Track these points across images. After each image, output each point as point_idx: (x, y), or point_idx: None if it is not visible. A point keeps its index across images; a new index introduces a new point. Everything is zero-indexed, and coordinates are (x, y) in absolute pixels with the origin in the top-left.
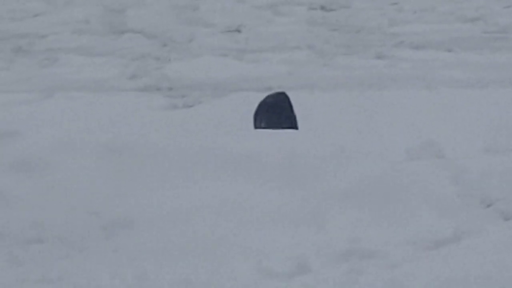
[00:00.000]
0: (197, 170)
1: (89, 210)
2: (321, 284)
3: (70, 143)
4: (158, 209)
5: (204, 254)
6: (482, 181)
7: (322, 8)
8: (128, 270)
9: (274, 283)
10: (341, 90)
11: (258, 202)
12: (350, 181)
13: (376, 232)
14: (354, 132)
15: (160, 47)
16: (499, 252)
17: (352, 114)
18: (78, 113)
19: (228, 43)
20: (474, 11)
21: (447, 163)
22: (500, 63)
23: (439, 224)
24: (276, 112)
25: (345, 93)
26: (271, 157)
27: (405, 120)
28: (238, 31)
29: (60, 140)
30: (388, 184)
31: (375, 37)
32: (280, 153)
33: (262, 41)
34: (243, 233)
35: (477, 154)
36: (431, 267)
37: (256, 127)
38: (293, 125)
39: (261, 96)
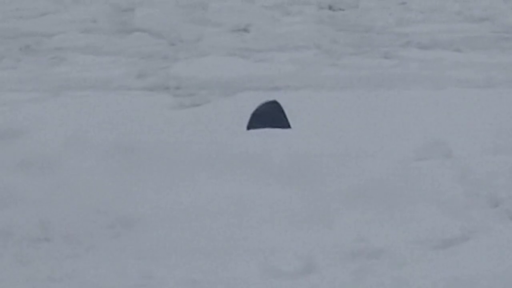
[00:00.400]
0: (205, 169)
1: (96, 209)
2: (328, 284)
3: (78, 142)
4: (166, 208)
5: (211, 253)
6: (490, 180)
7: (330, 7)
8: (135, 269)
9: (280, 283)
10: (348, 89)
11: (266, 202)
12: (357, 180)
13: (384, 232)
14: (362, 131)
15: (168, 46)
16: (506, 251)
17: (359, 114)
18: (85, 112)
19: (236, 42)
20: (482, 11)
21: (455, 162)
22: (508, 62)
23: (447, 223)
24: (269, 121)
25: (353, 92)
26: (279, 156)
27: (413, 119)
28: (246, 30)
29: (68, 139)
30: (395, 183)
31: (383, 36)
32: (288, 152)
33: (270, 40)
34: (251, 232)
35: (485, 154)
36: (438, 266)
37: None
38: None
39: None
